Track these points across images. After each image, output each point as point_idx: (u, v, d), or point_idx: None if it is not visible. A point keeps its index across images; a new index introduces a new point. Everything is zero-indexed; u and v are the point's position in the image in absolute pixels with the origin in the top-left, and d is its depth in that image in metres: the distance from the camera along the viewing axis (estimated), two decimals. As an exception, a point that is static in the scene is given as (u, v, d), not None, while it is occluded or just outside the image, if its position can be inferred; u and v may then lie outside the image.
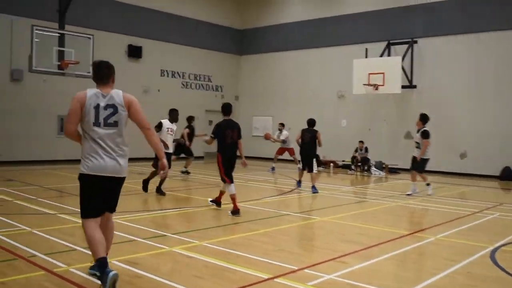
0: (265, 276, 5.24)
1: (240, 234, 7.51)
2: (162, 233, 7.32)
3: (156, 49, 22.62)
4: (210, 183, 14.10)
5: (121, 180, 4.91)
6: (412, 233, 7.86)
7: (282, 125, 18.99)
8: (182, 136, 15.20)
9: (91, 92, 4.86)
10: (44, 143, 18.82)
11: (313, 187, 12.73)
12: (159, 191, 11.35)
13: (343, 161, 20.81)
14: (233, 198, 9.08)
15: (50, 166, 17.91)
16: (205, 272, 5.45)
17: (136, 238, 6.88)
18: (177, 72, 23.66)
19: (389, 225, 8.48)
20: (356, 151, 19.60)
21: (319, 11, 23.51)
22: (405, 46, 19.98)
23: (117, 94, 4.86)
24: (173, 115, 11.90)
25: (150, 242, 6.67)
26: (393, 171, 19.39)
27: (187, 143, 15.20)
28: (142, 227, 7.63)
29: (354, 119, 21.96)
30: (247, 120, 25.48)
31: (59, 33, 15.20)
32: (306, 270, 5.55)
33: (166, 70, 23.28)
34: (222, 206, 9.64)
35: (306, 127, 13.21)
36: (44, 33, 14.79)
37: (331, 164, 20.87)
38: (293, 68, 24.45)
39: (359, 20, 21.84)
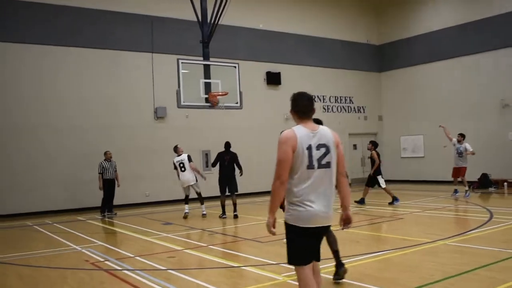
0: None
1: None
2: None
3: (294, 74, 21.76)
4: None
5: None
6: None
7: (462, 136, 16.47)
8: None
9: (301, 131, 4.22)
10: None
11: None
12: None
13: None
14: None
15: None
16: None
17: None
18: (317, 96, 22.58)
19: None
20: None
21: (460, 16, 21.45)
22: None
23: (325, 131, 4.36)
24: None
25: None
26: None
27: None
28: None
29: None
30: (394, 141, 23.78)
31: (204, 64, 14.72)
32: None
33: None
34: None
35: None
36: (190, 65, 14.39)
37: (505, 183, 18.43)
38: (438, 80, 22.39)
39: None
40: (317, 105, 22.31)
